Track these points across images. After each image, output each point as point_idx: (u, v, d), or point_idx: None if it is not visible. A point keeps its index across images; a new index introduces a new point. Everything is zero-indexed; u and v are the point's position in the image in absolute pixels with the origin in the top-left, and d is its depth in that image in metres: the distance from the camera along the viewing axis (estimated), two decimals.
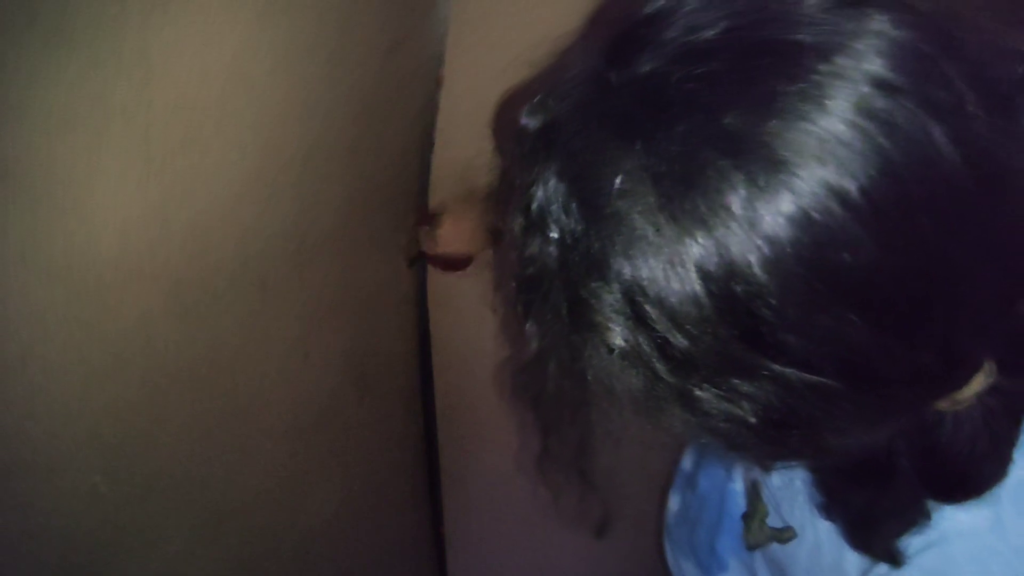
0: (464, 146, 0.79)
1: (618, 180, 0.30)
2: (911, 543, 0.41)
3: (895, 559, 0.42)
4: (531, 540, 1.22)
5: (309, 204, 0.68)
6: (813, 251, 0.28)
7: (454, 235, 0.77)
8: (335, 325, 0.78)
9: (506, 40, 0.85)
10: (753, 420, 0.32)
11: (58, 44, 0.42)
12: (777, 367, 0.30)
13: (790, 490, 0.51)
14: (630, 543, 1.12)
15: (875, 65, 0.28)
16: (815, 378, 0.30)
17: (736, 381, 0.31)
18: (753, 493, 0.58)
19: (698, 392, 0.32)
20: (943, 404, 0.35)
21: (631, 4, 0.33)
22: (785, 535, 0.52)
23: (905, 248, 0.28)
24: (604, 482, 0.51)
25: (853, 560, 0.45)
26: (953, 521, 0.40)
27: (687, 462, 0.75)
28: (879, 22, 0.28)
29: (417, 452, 1.08)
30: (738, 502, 0.60)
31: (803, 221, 0.27)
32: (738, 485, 0.61)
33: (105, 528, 0.55)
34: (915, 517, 0.41)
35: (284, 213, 0.65)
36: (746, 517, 0.59)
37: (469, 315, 0.90)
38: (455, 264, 0.76)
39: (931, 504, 0.41)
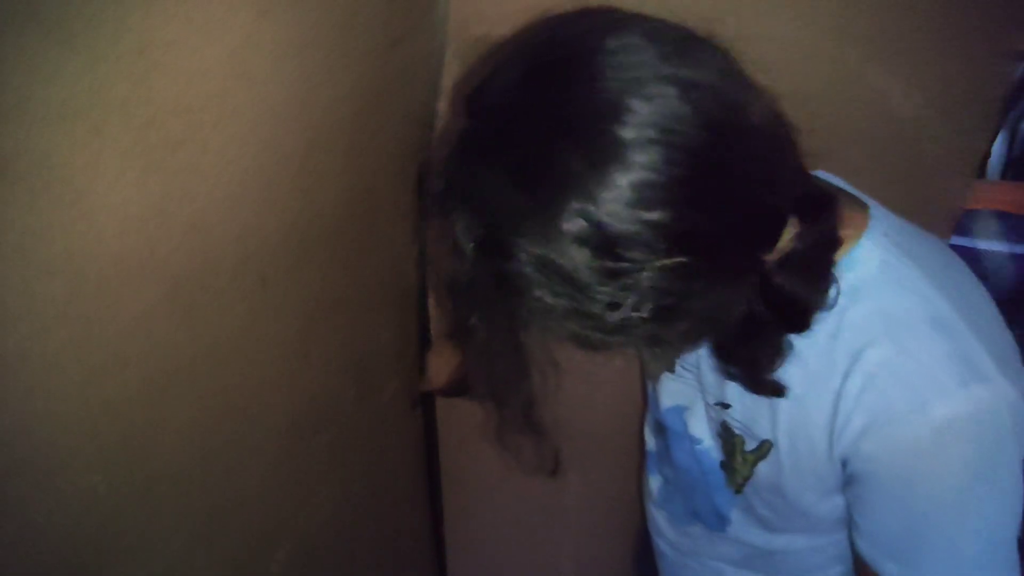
0: None
1: (493, 187, 0.44)
2: (855, 383, 0.53)
3: (780, 391, 0.57)
4: (530, 540, 1.22)
5: (309, 201, 0.68)
6: (637, 182, 0.41)
7: (442, 368, 0.85)
8: (335, 323, 0.78)
9: (505, 37, 0.85)
10: (647, 315, 0.45)
11: (58, 39, 0.42)
12: (645, 261, 0.42)
13: (751, 411, 0.62)
14: (626, 544, 1.12)
15: (636, 54, 0.43)
16: (672, 259, 0.43)
17: (621, 285, 0.43)
18: (725, 432, 0.66)
19: (599, 310, 0.45)
20: (771, 256, 0.49)
21: (473, 80, 0.48)
22: (764, 449, 0.62)
23: (691, 150, 0.42)
24: (551, 430, 0.64)
25: (819, 432, 0.56)
26: (871, 360, 0.52)
27: (651, 443, 0.83)
28: (629, 31, 0.44)
29: (417, 452, 1.08)
30: (711, 456, 0.70)
31: (624, 162, 0.41)
32: (705, 443, 0.70)
33: (104, 528, 0.54)
34: (783, 350, 0.55)
35: (284, 210, 0.65)
36: (724, 464, 0.68)
37: None
38: (453, 392, 0.81)
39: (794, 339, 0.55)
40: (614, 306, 0.44)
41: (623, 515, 1.14)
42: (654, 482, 0.83)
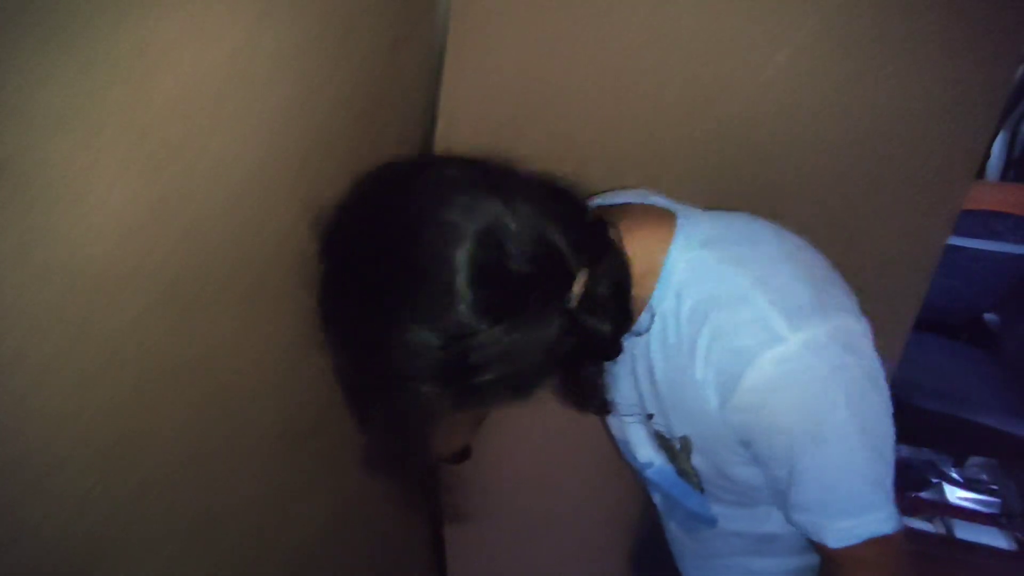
0: (463, 145, 0.79)
1: (348, 317, 0.57)
2: (700, 368, 0.61)
3: (606, 408, 0.72)
4: (530, 544, 1.22)
5: (307, 205, 0.68)
6: (443, 289, 0.53)
7: (444, 439, 0.87)
8: None
9: (505, 40, 0.85)
10: (495, 375, 0.55)
11: (55, 42, 0.42)
12: (471, 336, 0.54)
13: (663, 415, 0.69)
14: (626, 548, 1.12)
15: (417, 206, 0.55)
16: (491, 328, 0.54)
17: (464, 362, 0.54)
18: (663, 441, 0.73)
19: (457, 386, 0.56)
20: (571, 300, 0.58)
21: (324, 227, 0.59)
22: (687, 444, 0.69)
23: (472, 258, 0.53)
24: (455, 483, 0.77)
25: (702, 417, 0.63)
26: (702, 345, 0.60)
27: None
28: (449, 169, 0.58)
29: None
30: (666, 471, 0.76)
31: (429, 279, 0.53)
32: (656, 464, 0.76)
33: (99, 530, 0.54)
34: (601, 374, 0.69)
35: (282, 214, 0.65)
36: (680, 472, 0.74)
37: None
38: (458, 458, 0.85)
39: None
40: (463, 378, 0.55)
41: (622, 518, 1.14)
42: (656, 496, 0.87)
